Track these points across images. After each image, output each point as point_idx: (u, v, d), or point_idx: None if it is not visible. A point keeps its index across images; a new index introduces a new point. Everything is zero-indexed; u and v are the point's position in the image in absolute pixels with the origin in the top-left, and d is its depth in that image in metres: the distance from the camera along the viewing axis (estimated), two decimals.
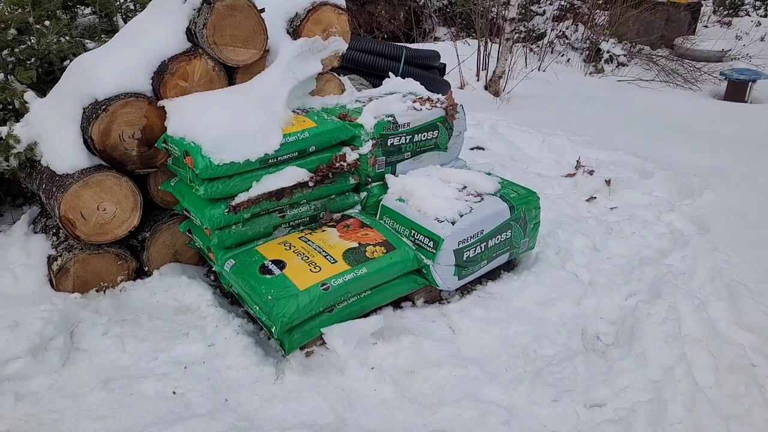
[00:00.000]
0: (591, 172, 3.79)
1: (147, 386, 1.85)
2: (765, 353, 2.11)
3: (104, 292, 2.33)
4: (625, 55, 8.04)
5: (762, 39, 9.43)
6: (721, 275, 2.54)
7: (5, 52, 2.66)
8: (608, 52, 7.93)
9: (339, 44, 2.68)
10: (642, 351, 2.08)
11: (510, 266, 2.72)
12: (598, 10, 8.42)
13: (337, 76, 2.88)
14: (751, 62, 8.16)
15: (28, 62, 2.68)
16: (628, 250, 2.89)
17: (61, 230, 2.38)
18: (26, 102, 2.45)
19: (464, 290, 2.50)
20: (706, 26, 10.50)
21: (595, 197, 3.52)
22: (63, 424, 1.70)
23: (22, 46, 2.71)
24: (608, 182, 3.64)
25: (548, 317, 2.33)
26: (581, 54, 8.11)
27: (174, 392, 1.86)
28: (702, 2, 10.23)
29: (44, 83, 2.68)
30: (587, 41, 8.19)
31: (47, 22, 2.77)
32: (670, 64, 7.93)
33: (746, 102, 6.89)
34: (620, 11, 8.00)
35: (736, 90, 7.01)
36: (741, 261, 2.67)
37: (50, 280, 2.28)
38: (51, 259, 2.31)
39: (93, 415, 1.74)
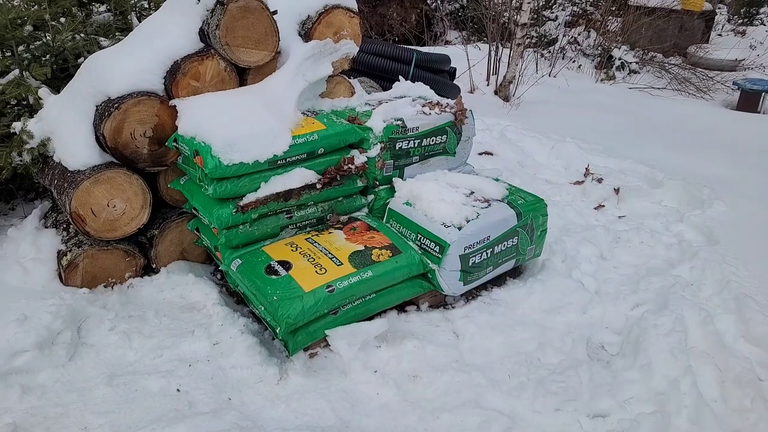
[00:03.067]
0: (600, 180, 3.78)
1: (152, 383, 1.87)
2: None
3: (112, 287, 2.36)
4: (637, 63, 7.99)
5: None
6: (729, 287, 2.52)
7: (21, 48, 2.69)
8: (620, 59, 7.89)
9: (350, 47, 2.69)
10: (647, 362, 2.07)
11: (516, 273, 2.71)
12: (610, 17, 8.38)
13: (347, 78, 2.89)
14: (765, 72, 8.09)
15: (43, 59, 2.71)
16: (635, 260, 2.87)
17: (71, 225, 2.40)
18: (40, 98, 2.48)
19: (469, 296, 2.50)
20: (720, 35, 10.40)
21: (604, 205, 3.50)
22: (68, 418, 1.72)
23: (37, 42, 2.75)
24: (617, 191, 3.62)
25: (553, 325, 2.33)
26: (593, 60, 8.08)
27: (178, 390, 1.87)
28: (716, 11, 10.15)
29: (59, 80, 2.72)
30: (599, 48, 8.15)
31: (63, 19, 2.80)
32: (682, 72, 7.87)
33: (759, 113, 6.83)
34: (633, 18, 7.95)
35: (749, 100, 6.94)
36: (750, 273, 2.64)
37: (59, 275, 2.30)
38: (60, 254, 2.33)
39: (98, 410, 1.76)
